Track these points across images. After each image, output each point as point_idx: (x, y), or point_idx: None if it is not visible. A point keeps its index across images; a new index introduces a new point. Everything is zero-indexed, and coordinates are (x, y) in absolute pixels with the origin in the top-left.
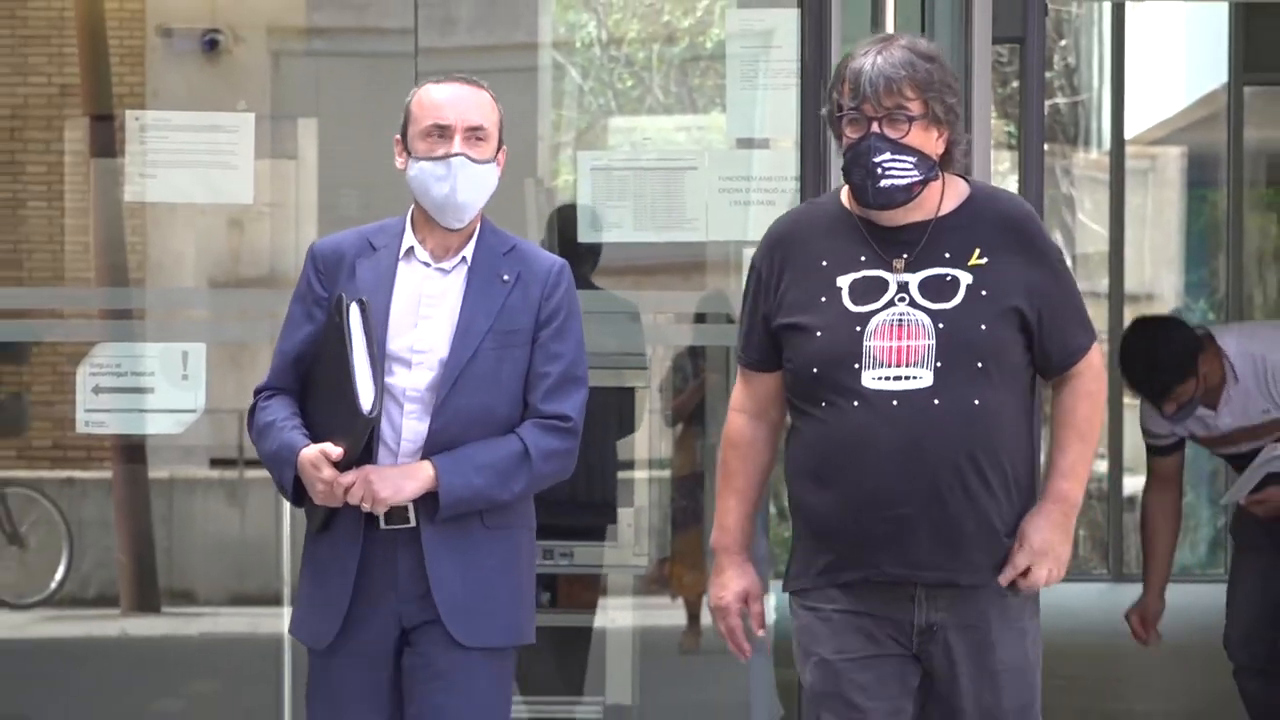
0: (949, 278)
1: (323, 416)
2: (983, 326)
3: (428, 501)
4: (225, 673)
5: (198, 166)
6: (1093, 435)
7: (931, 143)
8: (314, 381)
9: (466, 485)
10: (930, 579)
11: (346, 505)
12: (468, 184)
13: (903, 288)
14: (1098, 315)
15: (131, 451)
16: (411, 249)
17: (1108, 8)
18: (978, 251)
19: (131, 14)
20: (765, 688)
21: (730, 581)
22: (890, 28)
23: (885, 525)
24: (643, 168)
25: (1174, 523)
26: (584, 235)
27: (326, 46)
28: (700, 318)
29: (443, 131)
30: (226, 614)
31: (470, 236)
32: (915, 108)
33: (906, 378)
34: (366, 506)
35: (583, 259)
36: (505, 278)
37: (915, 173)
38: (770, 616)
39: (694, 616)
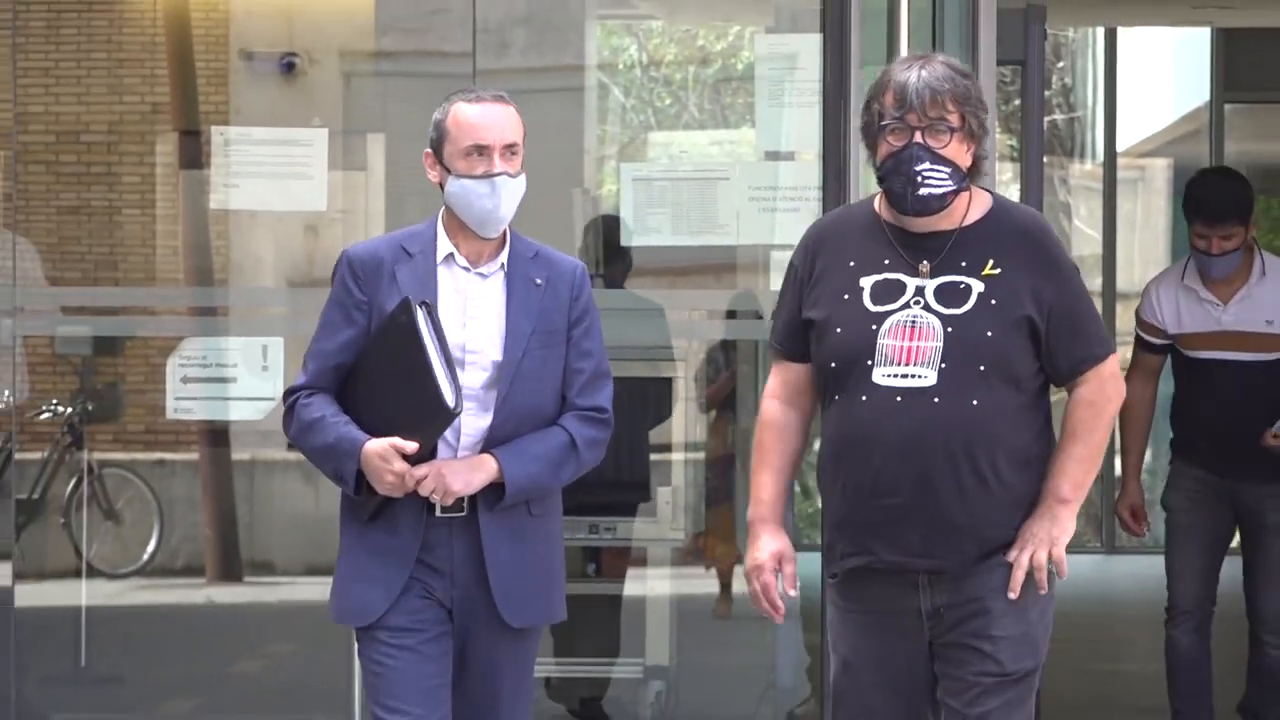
0: (962, 285)
1: (387, 414)
2: (989, 333)
3: (484, 492)
4: (301, 636)
5: (276, 177)
6: (1091, 440)
7: (964, 155)
8: (369, 383)
9: (526, 475)
10: (923, 566)
11: (408, 495)
12: (509, 199)
13: (919, 291)
14: None
15: (216, 436)
16: (450, 254)
17: (1101, 32)
18: (991, 262)
19: (216, 38)
20: (791, 650)
21: (765, 545)
22: (904, 52)
23: (881, 514)
24: (679, 178)
25: (1151, 413)
26: (625, 240)
27: (393, 68)
28: (731, 314)
29: (483, 151)
30: (302, 583)
31: (503, 243)
32: (955, 120)
33: (912, 376)
34: (436, 498)
35: (616, 263)
36: (538, 281)
37: (950, 183)
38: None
39: (725, 585)
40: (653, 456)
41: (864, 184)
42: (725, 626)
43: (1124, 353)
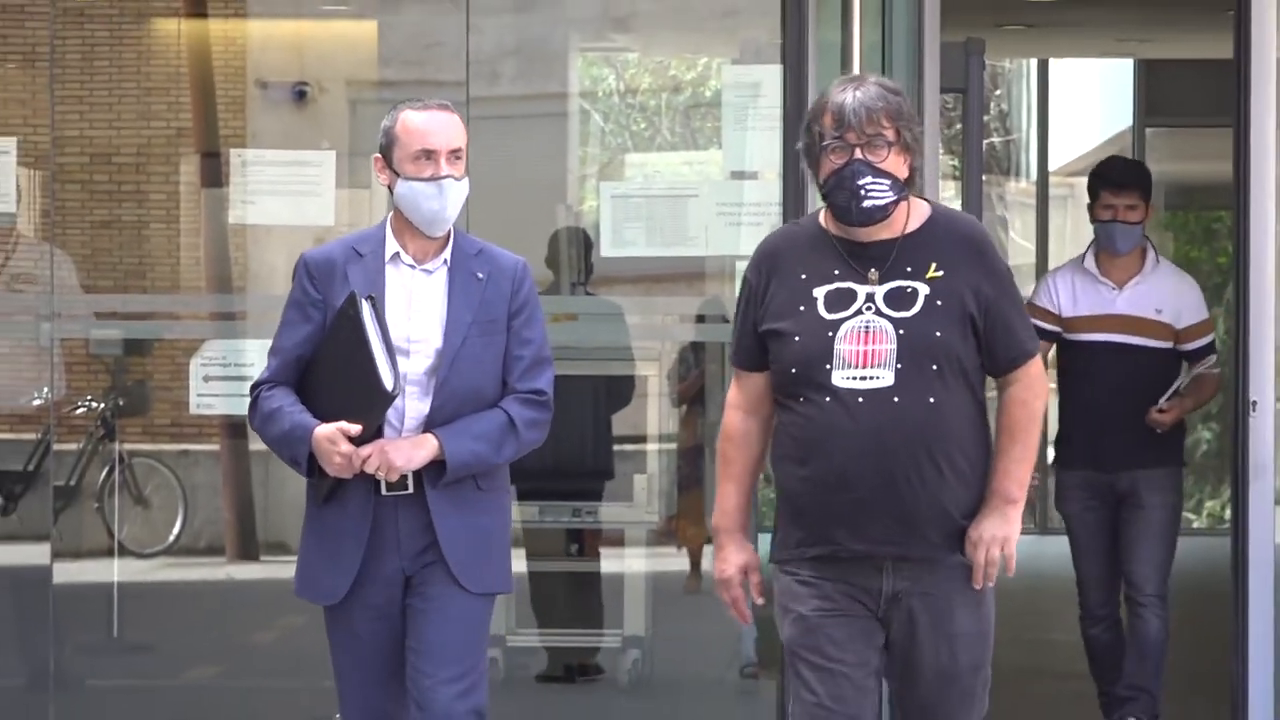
0: (909, 289)
1: (336, 400)
2: (938, 333)
3: (428, 470)
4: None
5: (288, 195)
6: (1029, 440)
7: (901, 167)
8: (320, 372)
9: (467, 451)
10: (886, 553)
11: (355, 477)
12: (454, 200)
13: (870, 298)
14: None
15: (235, 428)
16: (397, 253)
17: (1034, 63)
18: (934, 265)
19: (235, 69)
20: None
21: (731, 557)
22: None
23: (846, 506)
24: (653, 195)
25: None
26: (606, 251)
27: (393, 96)
28: (700, 319)
29: (430, 155)
30: None
31: (446, 241)
32: (891, 134)
33: (871, 378)
34: (381, 475)
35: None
36: (480, 275)
37: (891, 194)
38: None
39: (695, 563)
40: (628, 446)
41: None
42: (695, 600)
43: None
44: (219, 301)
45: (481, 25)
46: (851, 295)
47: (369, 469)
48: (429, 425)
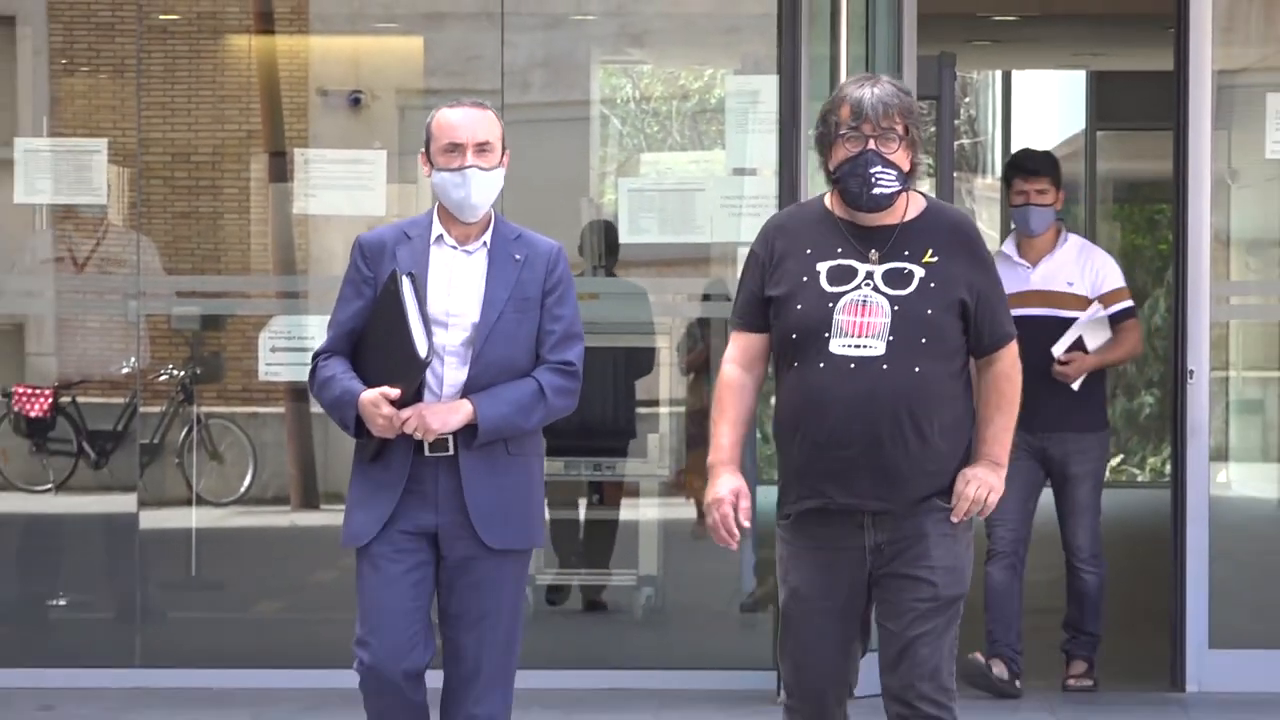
0: (906, 270)
1: (380, 367)
2: (929, 311)
3: (465, 433)
4: None
5: (345, 189)
6: (1012, 410)
7: (906, 161)
8: (369, 342)
9: (498, 415)
10: (871, 507)
11: (399, 437)
12: (479, 188)
13: (869, 275)
14: None
15: (298, 393)
16: (440, 236)
17: (999, 74)
18: (930, 251)
19: (298, 79)
20: (751, 562)
21: (724, 483)
22: None
23: (836, 464)
24: (665, 189)
25: None
26: (623, 239)
27: (438, 102)
28: (706, 297)
29: (457, 148)
30: None
31: (486, 226)
32: (901, 130)
33: (864, 346)
34: (419, 435)
35: (610, 255)
36: (517, 257)
37: (897, 184)
38: (751, 513)
39: (702, 513)
40: (643, 410)
41: (811, 193)
42: (702, 544)
43: None
44: (284, 282)
45: (515, 41)
46: (852, 272)
47: (408, 430)
48: (466, 392)
